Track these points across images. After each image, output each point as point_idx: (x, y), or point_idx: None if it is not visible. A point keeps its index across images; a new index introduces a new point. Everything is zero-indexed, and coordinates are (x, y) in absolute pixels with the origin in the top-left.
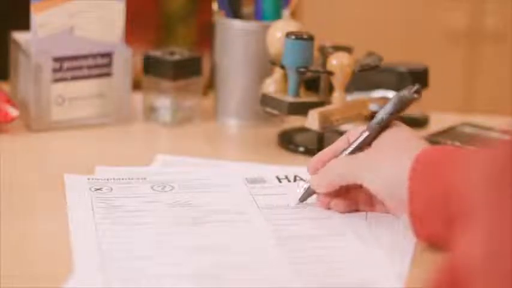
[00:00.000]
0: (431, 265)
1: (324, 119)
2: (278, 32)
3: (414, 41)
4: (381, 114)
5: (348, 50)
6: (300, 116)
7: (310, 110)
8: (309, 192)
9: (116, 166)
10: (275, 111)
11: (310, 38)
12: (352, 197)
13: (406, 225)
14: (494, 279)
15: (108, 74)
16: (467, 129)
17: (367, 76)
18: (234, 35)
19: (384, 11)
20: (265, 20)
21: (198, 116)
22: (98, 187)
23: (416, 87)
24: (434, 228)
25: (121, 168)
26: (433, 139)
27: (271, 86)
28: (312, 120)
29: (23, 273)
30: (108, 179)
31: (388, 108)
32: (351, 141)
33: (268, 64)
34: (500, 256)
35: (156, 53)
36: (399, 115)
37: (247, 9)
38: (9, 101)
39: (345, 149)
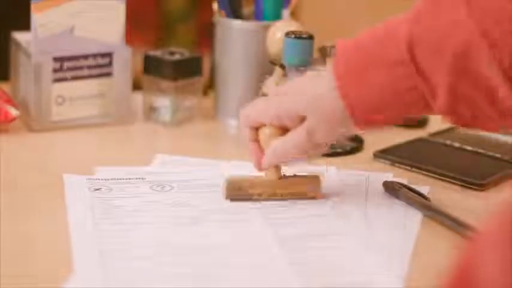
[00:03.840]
0: (431, 266)
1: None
2: (278, 32)
3: None
4: None
5: None
6: None
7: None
8: None
9: (116, 166)
10: None
11: (310, 37)
12: None
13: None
14: None
15: (108, 74)
16: (467, 130)
17: None
18: (234, 35)
19: (383, 11)
20: (265, 20)
21: (198, 116)
22: (97, 187)
23: None
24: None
25: (120, 168)
26: (433, 139)
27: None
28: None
29: (23, 273)
30: (107, 179)
31: None
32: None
33: (268, 64)
34: None
35: (156, 53)
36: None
37: (247, 9)
38: (10, 101)
39: None
